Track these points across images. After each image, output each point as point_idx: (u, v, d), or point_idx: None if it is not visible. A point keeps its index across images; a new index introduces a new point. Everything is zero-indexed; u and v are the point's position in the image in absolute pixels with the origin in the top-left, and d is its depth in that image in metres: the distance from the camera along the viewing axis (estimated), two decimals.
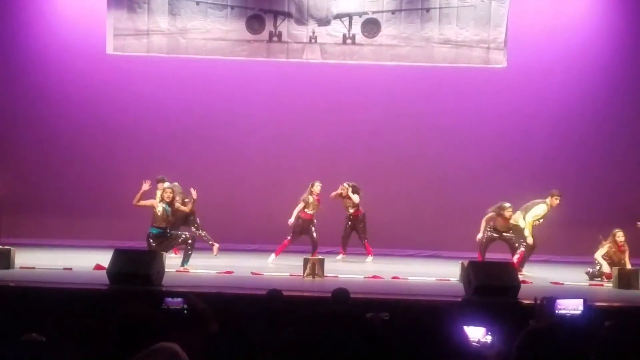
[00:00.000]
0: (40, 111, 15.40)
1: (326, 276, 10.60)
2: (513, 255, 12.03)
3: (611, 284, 11.00)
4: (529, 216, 12.07)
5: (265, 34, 14.76)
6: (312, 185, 12.82)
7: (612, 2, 15.47)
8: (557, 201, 12.12)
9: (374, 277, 10.91)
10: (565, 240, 14.08)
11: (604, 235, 11.86)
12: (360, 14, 14.74)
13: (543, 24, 15.27)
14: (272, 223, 13.60)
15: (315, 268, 10.59)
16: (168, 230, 11.36)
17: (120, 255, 9.57)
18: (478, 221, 12.32)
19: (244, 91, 15.43)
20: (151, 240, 11.21)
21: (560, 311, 5.47)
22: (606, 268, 11.53)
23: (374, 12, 14.70)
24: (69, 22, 15.46)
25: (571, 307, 5.64)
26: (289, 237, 12.76)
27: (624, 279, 10.83)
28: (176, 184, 12.81)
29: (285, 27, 14.76)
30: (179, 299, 4.35)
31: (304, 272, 10.59)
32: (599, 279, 11.56)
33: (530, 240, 11.95)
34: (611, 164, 15.14)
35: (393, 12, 14.69)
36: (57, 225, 14.97)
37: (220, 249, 12.87)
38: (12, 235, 13.83)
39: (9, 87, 15.48)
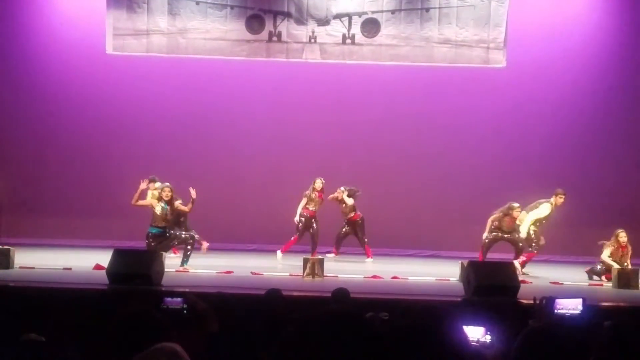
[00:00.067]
0: (40, 111, 15.40)
1: (326, 276, 10.60)
2: (517, 255, 12.03)
3: (611, 284, 11.02)
4: (530, 215, 12.09)
5: (264, 34, 14.77)
6: (314, 182, 13.01)
7: (611, 2, 15.48)
8: (562, 200, 12.13)
9: (374, 277, 10.92)
10: (564, 240, 14.07)
11: (607, 239, 11.80)
12: (359, 14, 14.74)
13: (542, 23, 15.27)
14: (272, 223, 13.61)
15: (315, 268, 10.58)
16: (167, 230, 11.35)
17: (120, 255, 9.58)
18: (478, 221, 12.32)
19: (244, 91, 15.42)
20: (150, 240, 11.19)
21: (559, 311, 5.47)
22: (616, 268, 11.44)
23: (373, 12, 14.70)
24: (69, 22, 15.45)
25: (570, 306, 5.63)
26: (295, 235, 12.93)
27: (624, 279, 10.83)
28: (167, 184, 12.75)
29: (285, 27, 14.76)
30: (179, 299, 4.34)
31: (303, 272, 10.59)
32: (599, 278, 11.57)
33: (524, 235, 11.99)
34: (611, 163, 15.14)
35: (393, 12, 14.70)
36: (56, 225, 14.96)
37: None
38: (11, 235, 13.81)
39: (9, 87, 15.47)
